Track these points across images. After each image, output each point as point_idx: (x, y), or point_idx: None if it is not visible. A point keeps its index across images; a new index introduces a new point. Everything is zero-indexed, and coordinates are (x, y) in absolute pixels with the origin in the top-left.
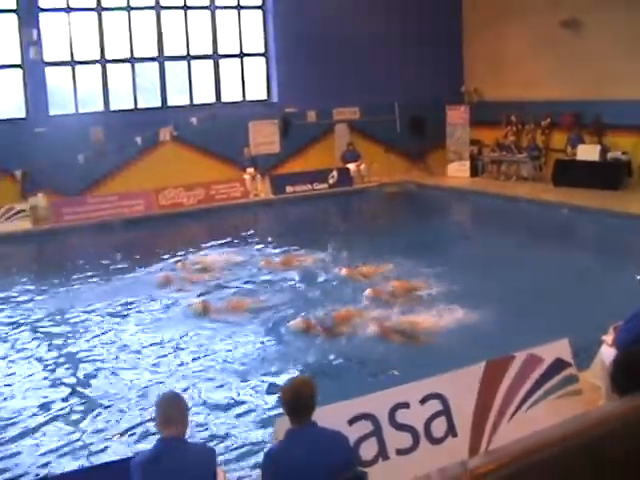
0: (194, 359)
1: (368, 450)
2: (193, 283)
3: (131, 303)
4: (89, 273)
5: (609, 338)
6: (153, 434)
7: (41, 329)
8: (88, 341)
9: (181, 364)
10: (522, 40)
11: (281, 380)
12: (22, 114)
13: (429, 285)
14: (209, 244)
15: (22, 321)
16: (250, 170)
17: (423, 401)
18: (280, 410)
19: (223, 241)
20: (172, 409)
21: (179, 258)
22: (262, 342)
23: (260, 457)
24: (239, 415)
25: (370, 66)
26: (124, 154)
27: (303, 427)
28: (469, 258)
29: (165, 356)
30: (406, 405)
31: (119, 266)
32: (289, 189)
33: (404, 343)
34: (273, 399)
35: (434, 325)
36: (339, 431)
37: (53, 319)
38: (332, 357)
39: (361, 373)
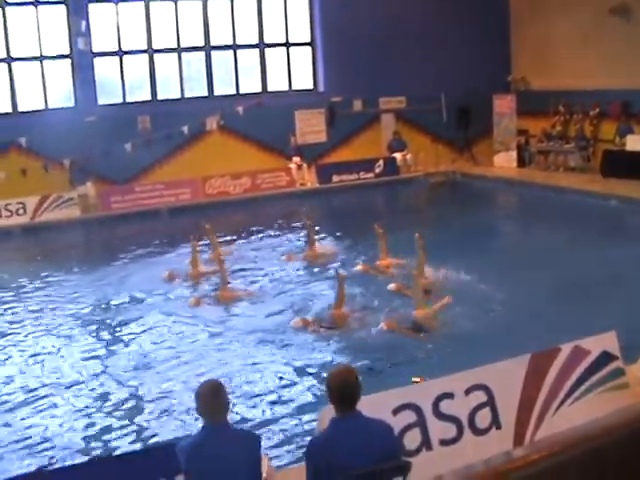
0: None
1: (412, 440)
2: (202, 277)
3: (138, 297)
4: (126, 261)
5: None
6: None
7: (75, 312)
8: (114, 326)
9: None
10: (570, 28)
11: (272, 377)
12: (71, 103)
13: (463, 277)
14: (243, 235)
15: (60, 305)
16: (296, 159)
17: (468, 392)
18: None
19: (258, 232)
20: (217, 399)
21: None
22: (257, 337)
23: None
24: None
25: (416, 55)
26: (171, 143)
27: (348, 416)
28: (512, 249)
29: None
30: (450, 396)
31: (152, 255)
32: (335, 178)
33: (416, 337)
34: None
35: (462, 318)
36: (384, 420)
37: (81, 304)
38: (329, 353)
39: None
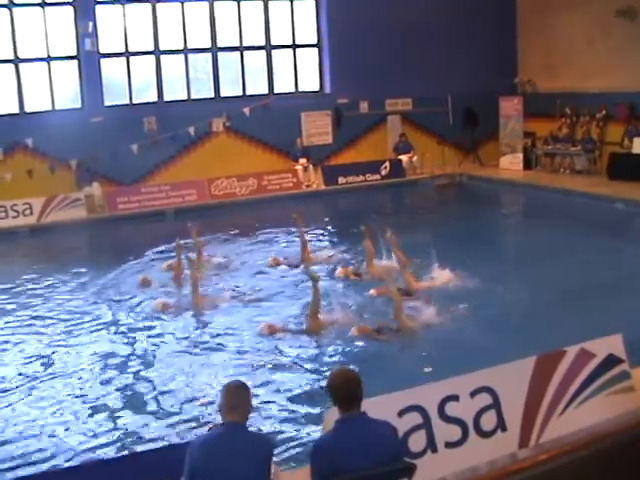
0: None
1: (417, 442)
2: (177, 283)
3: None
4: (130, 262)
5: None
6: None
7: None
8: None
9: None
10: (577, 30)
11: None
12: (77, 104)
13: (467, 279)
14: (241, 238)
15: (60, 306)
16: (302, 161)
17: (473, 394)
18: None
19: (257, 235)
20: (237, 396)
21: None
22: (219, 343)
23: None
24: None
25: (423, 57)
26: (177, 144)
27: (353, 417)
28: (517, 251)
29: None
30: (456, 398)
31: (156, 256)
32: (341, 180)
33: (388, 340)
34: None
35: (463, 319)
36: (389, 422)
37: (80, 305)
38: (295, 359)
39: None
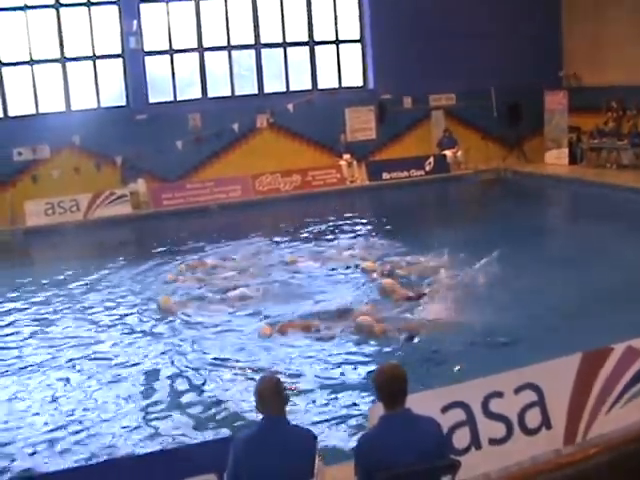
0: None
1: (461, 439)
2: (199, 281)
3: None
4: (171, 257)
5: None
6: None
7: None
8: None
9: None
10: (623, 23)
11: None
12: (123, 102)
13: (510, 274)
14: (269, 234)
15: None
16: (346, 156)
17: (517, 391)
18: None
19: (294, 231)
20: (269, 391)
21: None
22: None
23: None
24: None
25: (466, 51)
26: (221, 140)
27: (398, 412)
28: (561, 248)
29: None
30: (500, 395)
31: (198, 251)
32: (385, 175)
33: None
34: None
35: (500, 315)
36: (433, 418)
37: (120, 301)
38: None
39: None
